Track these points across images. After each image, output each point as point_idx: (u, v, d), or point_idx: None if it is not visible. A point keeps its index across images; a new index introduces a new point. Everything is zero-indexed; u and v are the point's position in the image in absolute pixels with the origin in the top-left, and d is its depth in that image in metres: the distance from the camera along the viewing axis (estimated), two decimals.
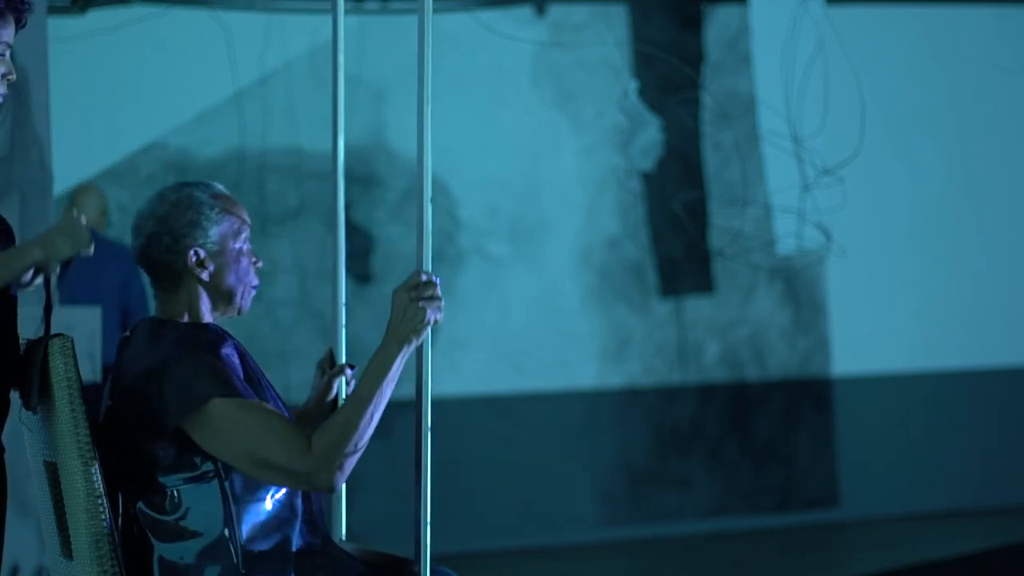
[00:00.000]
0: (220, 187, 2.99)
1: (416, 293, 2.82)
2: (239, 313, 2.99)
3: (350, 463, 2.77)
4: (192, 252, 2.90)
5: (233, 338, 2.93)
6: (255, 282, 3.00)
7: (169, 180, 6.11)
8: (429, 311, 2.81)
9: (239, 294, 2.97)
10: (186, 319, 2.92)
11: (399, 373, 2.83)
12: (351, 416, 2.77)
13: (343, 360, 3.27)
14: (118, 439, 2.85)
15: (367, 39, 6.95)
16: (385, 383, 2.79)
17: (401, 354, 2.81)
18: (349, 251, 7.11)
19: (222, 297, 2.95)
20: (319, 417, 3.15)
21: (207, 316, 2.95)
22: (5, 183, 4.55)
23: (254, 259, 2.99)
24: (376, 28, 6.94)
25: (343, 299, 3.28)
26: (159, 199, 2.94)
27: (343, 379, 3.25)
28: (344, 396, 3.22)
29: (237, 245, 2.94)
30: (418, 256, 2.89)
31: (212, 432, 2.77)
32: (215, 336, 2.88)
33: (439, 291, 2.84)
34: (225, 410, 2.77)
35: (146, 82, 6.75)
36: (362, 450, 2.78)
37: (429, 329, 2.83)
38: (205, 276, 2.92)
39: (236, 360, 2.88)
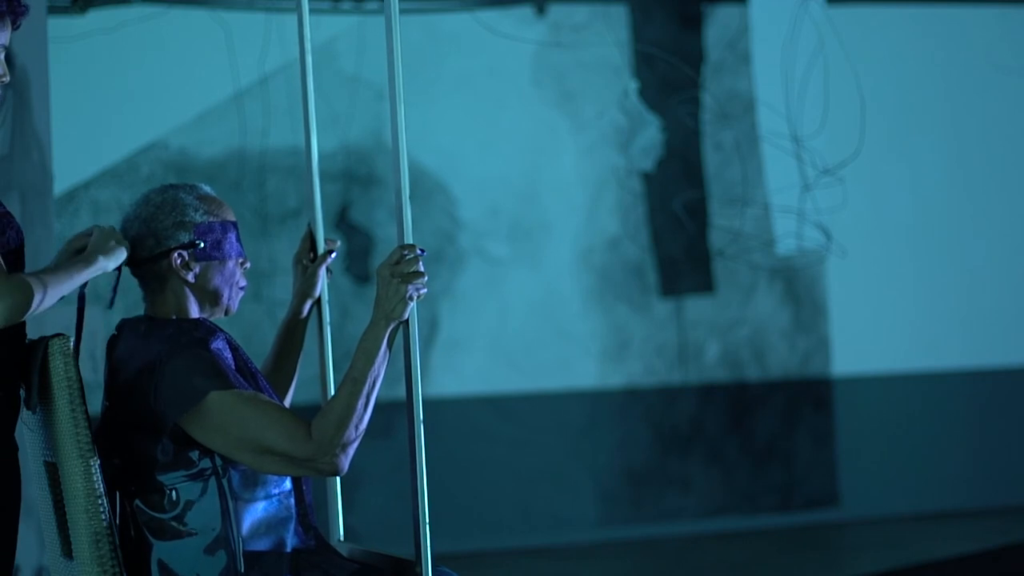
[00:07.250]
0: (206, 188, 2.98)
1: (396, 269, 2.78)
2: (227, 314, 2.98)
3: (353, 445, 2.76)
4: (176, 254, 2.90)
5: (225, 332, 2.92)
6: (243, 283, 2.98)
7: (170, 180, 6.11)
8: (409, 287, 2.77)
9: (225, 295, 2.95)
10: (174, 319, 2.92)
11: (389, 350, 2.80)
12: (349, 399, 2.75)
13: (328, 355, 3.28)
14: (115, 438, 2.85)
15: (367, 39, 6.95)
16: (377, 361, 2.77)
17: (389, 330, 2.79)
18: (349, 251, 7.13)
19: (208, 298, 2.94)
20: (302, 324, 3.20)
21: (195, 316, 2.94)
22: (5, 183, 4.55)
23: (242, 260, 2.98)
24: (376, 28, 6.93)
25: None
26: (144, 201, 2.93)
27: (324, 276, 3.26)
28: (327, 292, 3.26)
29: (223, 246, 2.94)
30: (398, 230, 2.85)
31: (212, 426, 2.77)
32: (206, 331, 2.88)
33: (421, 266, 2.78)
34: (223, 402, 2.76)
35: (146, 82, 6.75)
36: (364, 431, 2.77)
37: (413, 305, 2.79)
38: (191, 278, 2.91)
39: (228, 354, 2.88)
